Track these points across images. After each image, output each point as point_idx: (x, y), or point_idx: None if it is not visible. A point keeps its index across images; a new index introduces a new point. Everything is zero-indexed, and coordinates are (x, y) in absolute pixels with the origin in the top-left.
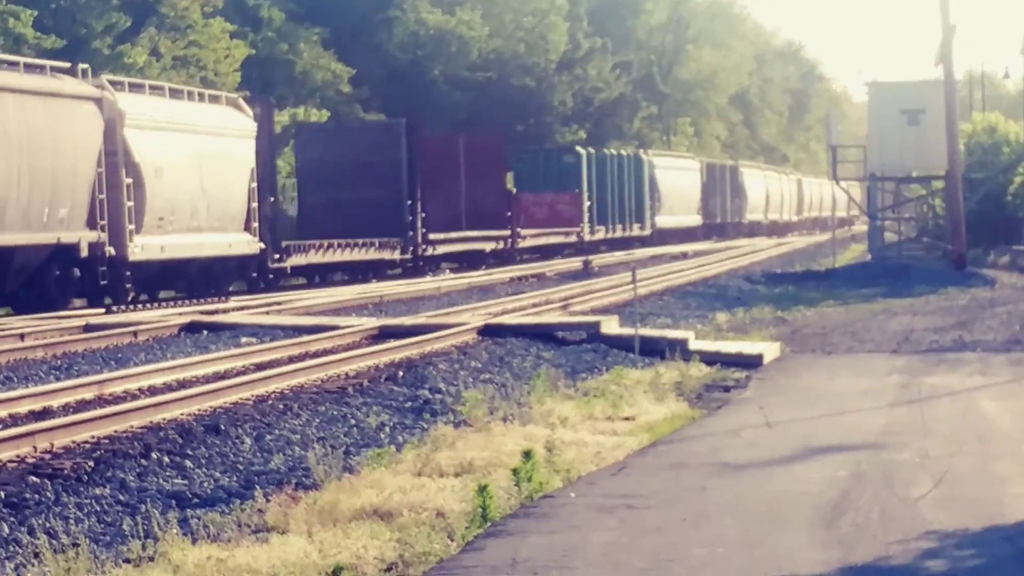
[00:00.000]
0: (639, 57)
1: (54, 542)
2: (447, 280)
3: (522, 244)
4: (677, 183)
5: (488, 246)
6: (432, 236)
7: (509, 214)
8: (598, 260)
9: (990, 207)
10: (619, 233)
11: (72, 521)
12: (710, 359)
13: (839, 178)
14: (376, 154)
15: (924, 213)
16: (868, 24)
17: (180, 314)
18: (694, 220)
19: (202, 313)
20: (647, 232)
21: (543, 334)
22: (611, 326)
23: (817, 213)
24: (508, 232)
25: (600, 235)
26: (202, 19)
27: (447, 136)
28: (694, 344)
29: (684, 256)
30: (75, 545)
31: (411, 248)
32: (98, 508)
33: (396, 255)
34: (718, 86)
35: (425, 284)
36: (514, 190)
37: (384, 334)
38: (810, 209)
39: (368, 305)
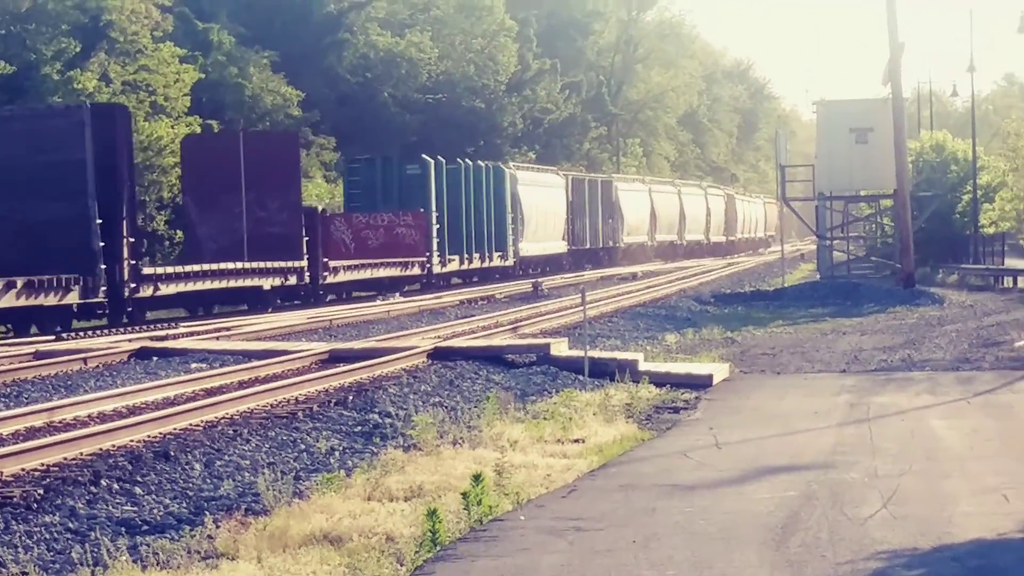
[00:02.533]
0: (588, 78)
1: (3, 571)
2: (397, 303)
3: (332, 280)
4: (542, 202)
5: (269, 282)
6: (150, 271)
7: (308, 239)
8: (548, 283)
9: (938, 225)
10: (476, 264)
11: (21, 550)
12: (660, 380)
13: (788, 198)
14: (49, 153)
15: (873, 232)
16: (816, 42)
17: (130, 340)
18: (559, 246)
19: (152, 339)
20: (509, 262)
21: (493, 357)
22: (561, 348)
23: (755, 234)
24: (303, 263)
25: (453, 266)
26: (152, 44)
27: (222, 135)
28: (644, 366)
29: (633, 277)
30: (24, 574)
31: (105, 289)
32: (47, 536)
33: (73, 299)
34: (667, 106)
35: (375, 308)
36: (321, 208)
37: (334, 358)
38: (747, 230)
39: (318, 329)
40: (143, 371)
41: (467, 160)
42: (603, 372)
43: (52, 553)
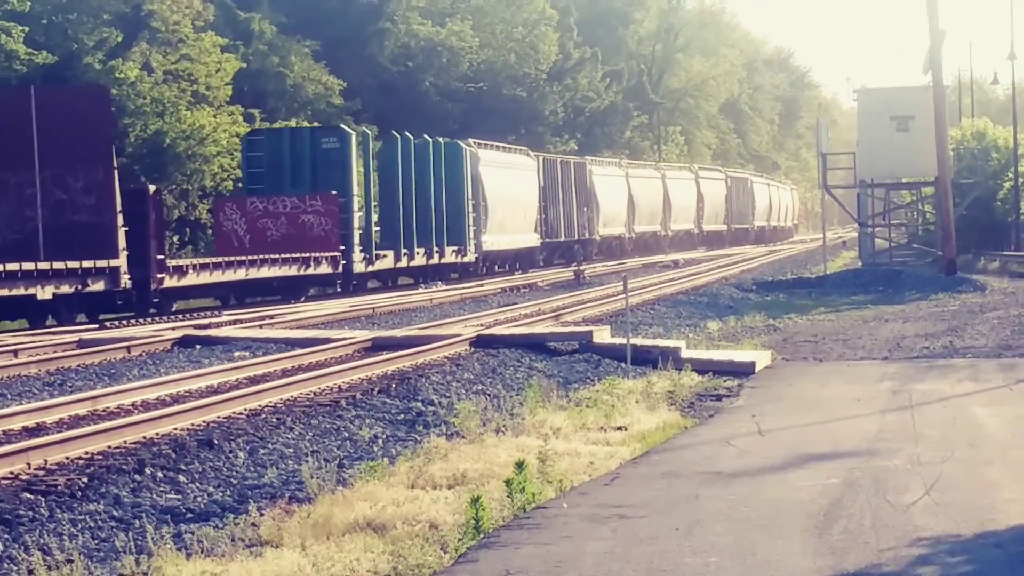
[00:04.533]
0: (629, 66)
1: (48, 559)
2: (439, 292)
3: (175, 283)
4: (510, 187)
5: (51, 290)
6: None
7: (127, 228)
8: (590, 271)
9: (979, 213)
10: (421, 260)
11: (66, 537)
12: (702, 368)
13: (830, 186)
14: None
15: (914, 219)
16: (857, 30)
17: (173, 329)
18: (530, 239)
19: (195, 327)
20: (469, 258)
21: (535, 344)
22: (603, 336)
23: (781, 222)
24: (119, 262)
25: (385, 263)
26: (193, 33)
27: (7, 91)
28: (686, 353)
29: (675, 265)
30: (69, 561)
31: None
32: (92, 524)
33: None
34: (708, 94)
35: (418, 295)
36: (154, 188)
37: (377, 346)
38: (771, 217)
39: (360, 317)
40: (186, 359)
41: (408, 134)
42: (645, 359)
43: (97, 541)
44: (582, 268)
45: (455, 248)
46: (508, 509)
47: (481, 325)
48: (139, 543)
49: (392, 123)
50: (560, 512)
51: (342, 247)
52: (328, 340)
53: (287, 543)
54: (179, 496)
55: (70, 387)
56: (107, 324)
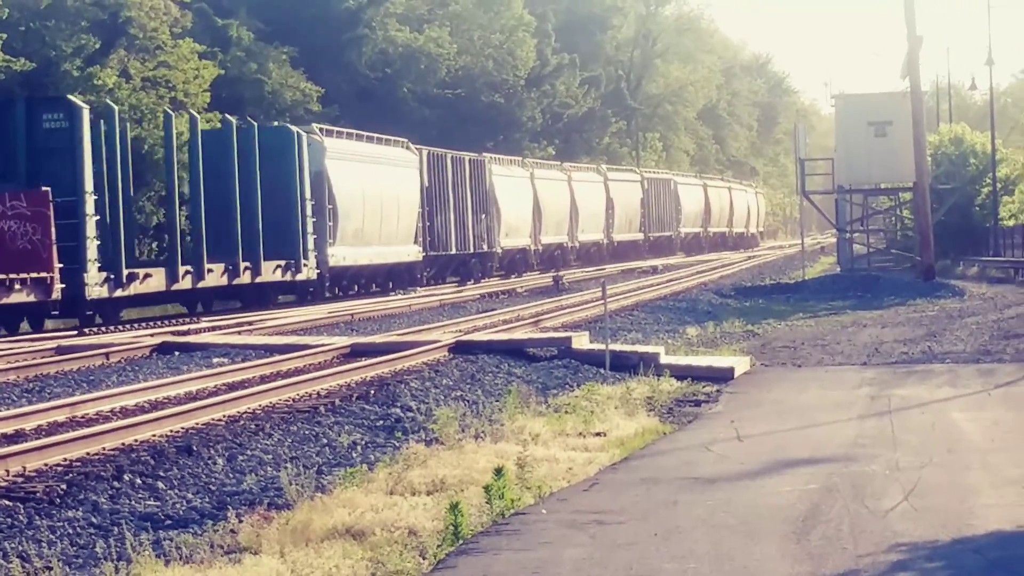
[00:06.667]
0: (607, 72)
1: (27, 566)
2: (418, 297)
3: None
4: (375, 187)
5: None
6: None
7: None
8: (568, 276)
9: (958, 218)
10: (219, 279)
11: (45, 544)
12: (681, 374)
13: (808, 191)
14: None
15: (892, 225)
16: (834, 36)
17: (152, 335)
18: (407, 252)
19: (174, 334)
20: (306, 275)
21: (514, 350)
22: (582, 342)
23: (731, 228)
24: None
25: (149, 284)
26: (171, 40)
27: None
28: (665, 359)
29: (654, 271)
30: (48, 568)
31: None
32: (71, 531)
33: None
34: (686, 100)
35: (397, 302)
36: None
37: (355, 352)
38: (707, 223)
39: (339, 323)
40: (165, 366)
41: (195, 112)
42: (624, 365)
43: (75, 548)
44: (561, 274)
45: (281, 263)
46: (487, 515)
47: (460, 331)
48: (118, 550)
49: (370, 129)
50: (539, 518)
51: (62, 264)
52: (307, 346)
53: (266, 550)
54: (158, 503)
55: (49, 394)
56: (86, 331)
